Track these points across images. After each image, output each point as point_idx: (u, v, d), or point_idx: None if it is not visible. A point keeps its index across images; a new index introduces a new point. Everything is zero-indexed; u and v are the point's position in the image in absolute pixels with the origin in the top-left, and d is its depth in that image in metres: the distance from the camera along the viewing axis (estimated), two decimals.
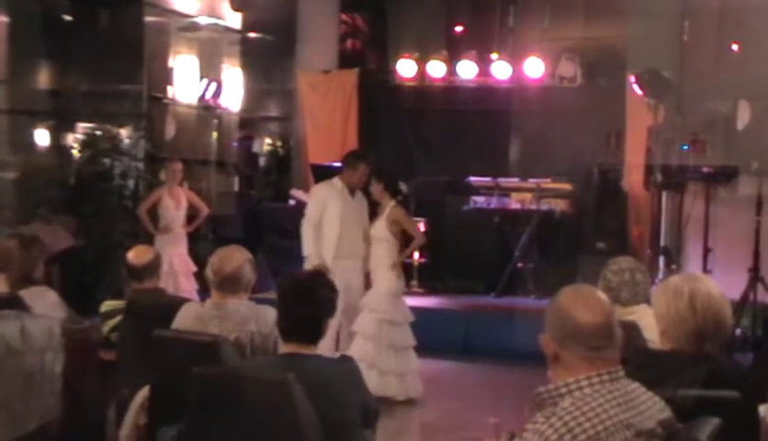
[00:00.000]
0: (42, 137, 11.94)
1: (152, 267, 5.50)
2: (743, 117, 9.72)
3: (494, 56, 12.29)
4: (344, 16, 13.37)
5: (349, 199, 7.85)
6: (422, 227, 7.87)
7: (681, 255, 9.96)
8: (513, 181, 11.38)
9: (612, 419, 2.47)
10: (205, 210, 10.21)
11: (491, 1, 12.59)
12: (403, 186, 7.86)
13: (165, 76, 12.10)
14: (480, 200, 11.37)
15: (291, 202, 11.82)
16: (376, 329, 7.44)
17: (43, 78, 12.10)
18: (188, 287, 9.38)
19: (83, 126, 11.65)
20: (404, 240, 7.73)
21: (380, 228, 7.62)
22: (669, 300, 3.19)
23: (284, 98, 13.92)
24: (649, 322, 3.84)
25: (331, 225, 7.76)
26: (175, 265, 9.45)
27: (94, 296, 6.97)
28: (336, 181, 7.91)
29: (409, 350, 7.60)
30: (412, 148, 12.53)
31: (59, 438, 4.53)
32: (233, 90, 13.24)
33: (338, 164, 8.53)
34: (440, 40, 12.76)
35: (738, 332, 8.57)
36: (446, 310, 10.15)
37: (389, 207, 7.64)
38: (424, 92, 12.67)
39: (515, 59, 12.12)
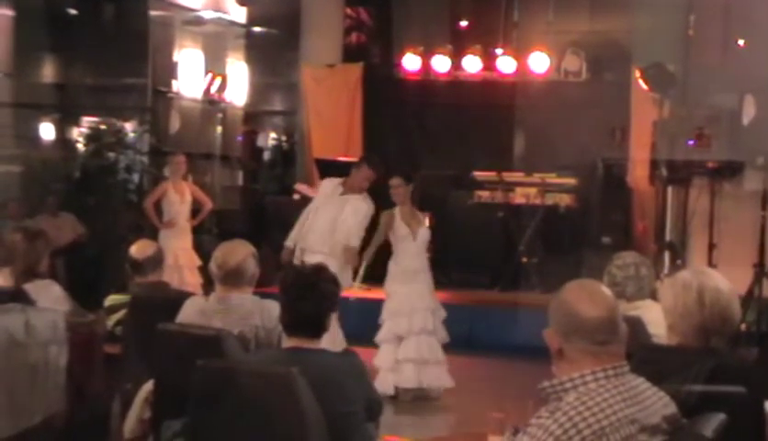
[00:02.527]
0: (47, 131, 11.97)
1: (155, 261, 5.51)
2: (749, 111, 9.67)
3: (499, 50, 12.27)
4: (348, 10, 13.37)
5: (335, 196, 7.83)
6: (426, 221, 7.90)
7: (686, 250, 9.92)
8: (517, 175, 11.38)
9: (617, 414, 2.46)
10: (209, 204, 10.22)
11: None
12: None
13: (170, 70, 12.11)
14: (484, 195, 11.36)
15: (296, 196, 11.81)
16: (437, 328, 7.61)
17: (48, 72, 12.13)
18: (193, 280, 9.38)
19: (87, 120, 11.68)
20: None
21: (426, 233, 7.67)
22: (677, 295, 3.19)
23: (288, 92, 13.93)
24: (654, 317, 3.84)
25: (305, 217, 7.95)
26: (179, 258, 9.46)
27: (98, 289, 6.96)
28: (339, 180, 7.95)
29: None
30: (417, 142, 12.49)
31: (63, 432, 4.52)
32: (238, 84, 13.24)
33: (343, 159, 8.52)
34: (445, 35, 12.73)
35: (743, 327, 8.55)
36: (450, 305, 10.11)
37: (422, 215, 7.76)
38: (429, 86, 12.62)
39: (520, 53, 12.11)
